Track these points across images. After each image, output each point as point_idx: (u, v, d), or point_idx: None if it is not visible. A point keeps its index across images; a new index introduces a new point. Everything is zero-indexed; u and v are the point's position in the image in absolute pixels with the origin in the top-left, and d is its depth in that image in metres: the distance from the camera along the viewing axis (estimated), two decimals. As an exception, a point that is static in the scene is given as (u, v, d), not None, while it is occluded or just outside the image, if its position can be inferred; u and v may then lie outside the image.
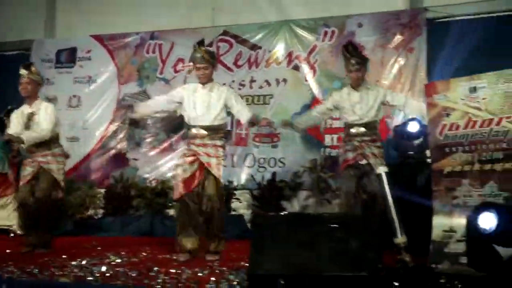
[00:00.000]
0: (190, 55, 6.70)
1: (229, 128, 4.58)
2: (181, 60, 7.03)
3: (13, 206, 5.89)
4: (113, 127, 7.12)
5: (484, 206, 2.80)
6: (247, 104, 6.41)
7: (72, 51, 7.52)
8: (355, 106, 4.37)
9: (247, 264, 3.20)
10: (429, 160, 4.12)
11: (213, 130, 4.32)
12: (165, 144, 6.87)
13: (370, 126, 4.39)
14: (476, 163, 3.56)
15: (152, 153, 6.90)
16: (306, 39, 6.54)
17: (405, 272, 2.89)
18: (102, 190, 6.71)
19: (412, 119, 5.16)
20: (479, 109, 3.61)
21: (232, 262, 4.02)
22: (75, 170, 6.94)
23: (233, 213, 6.17)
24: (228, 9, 6.93)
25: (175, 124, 6.77)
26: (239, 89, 6.65)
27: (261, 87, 6.62)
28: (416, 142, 4.91)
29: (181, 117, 5.87)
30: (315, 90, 6.39)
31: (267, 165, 6.44)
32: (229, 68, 6.76)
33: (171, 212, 6.44)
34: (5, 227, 6.01)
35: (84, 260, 4.07)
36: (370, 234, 3.06)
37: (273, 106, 6.52)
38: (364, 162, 4.30)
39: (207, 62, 4.33)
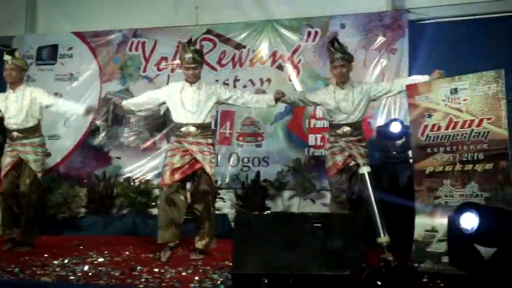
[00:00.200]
0: (173, 53, 6.86)
1: (213, 127, 4.56)
2: (164, 58, 6.99)
3: None
4: (95, 125, 7.04)
5: (465, 206, 2.84)
6: (231, 104, 6.48)
7: (54, 48, 7.41)
8: (341, 103, 4.33)
9: (231, 264, 3.20)
10: (411, 161, 4.16)
11: (204, 128, 4.38)
12: (149, 143, 6.81)
13: (355, 125, 4.35)
14: (457, 163, 3.62)
15: (135, 151, 6.85)
16: (290, 39, 6.55)
17: (388, 271, 2.91)
18: (84, 189, 6.63)
19: (395, 120, 5.23)
20: (460, 110, 3.68)
21: (216, 261, 4.03)
22: (56, 168, 6.85)
23: (217, 212, 6.15)
24: (211, 8, 6.90)
25: (158, 123, 6.73)
26: (223, 88, 6.64)
27: (245, 86, 6.61)
28: (398, 142, 4.97)
29: (165, 116, 5.90)
30: (299, 89, 6.40)
31: (251, 164, 6.43)
32: (212, 67, 6.74)
33: (154, 211, 6.41)
34: None
35: (66, 259, 4.04)
36: (353, 234, 3.10)
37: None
38: (352, 163, 4.26)
39: (197, 63, 4.36)
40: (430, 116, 3.82)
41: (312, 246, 3.05)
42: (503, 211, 3.09)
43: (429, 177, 3.76)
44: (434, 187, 3.71)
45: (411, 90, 4.03)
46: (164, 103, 4.57)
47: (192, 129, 4.32)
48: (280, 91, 4.59)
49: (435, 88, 3.82)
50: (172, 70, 6.86)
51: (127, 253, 4.52)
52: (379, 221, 3.39)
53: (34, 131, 4.80)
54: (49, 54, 7.40)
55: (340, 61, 4.31)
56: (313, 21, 6.50)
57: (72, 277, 3.41)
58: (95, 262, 4.02)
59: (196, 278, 3.38)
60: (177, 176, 4.27)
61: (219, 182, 6.30)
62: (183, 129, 4.35)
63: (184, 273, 3.56)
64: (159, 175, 6.48)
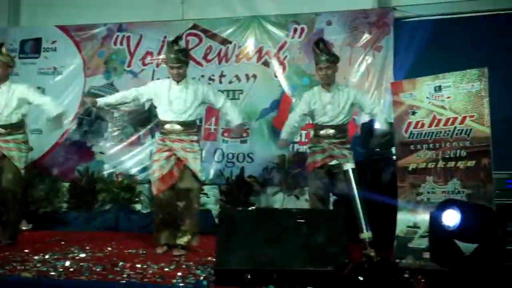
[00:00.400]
0: (159, 48, 6.81)
1: (198, 123, 4.57)
2: (149, 53, 6.94)
3: None
4: (78, 120, 6.97)
5: (448, 203, 2.87)
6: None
7: (37, 41, 7.32)
8: (326, 106, 4.33)
9: (214, 259, 3.19)
10: (394, 157, 4.19)
11: (188, 126, 4.38)
12: (133, 138, 6.76)
13: (340, 128, 4.36)
14: (440, 160, 3.65)
15: (119, 146, 6.79)
16: (276, 35, 6.54)
17: (370, 267, 2.93)
18: (67, 184, 6.58)
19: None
20: (443, 107, 3.70)
21: (199, 257, 4.02)
22: (38, 163, 6.77)
23: (201, 208, 6.13)
24: (197, 3, 6.87)
25: (142, 118, 6.69)
26: (209, 83, 6.60)
27: (231, 82, 6.60)
28: (382, 139, 4.97)
29: (149, 111, 5.86)
30: (285, 86, 6.41)
31: (235, 160, 6.42)
32: (198, 63, 6.71)
33: (138, 206, 6.39)
34: None
35: (47, 254, 4.00)
36: (336, 230, 3.10)
37: (242, 102, 6.50)
38: (333, 162, 4.26)
39: (181, 62, 4.34)
40: (414, 113, 3.84)
41: (296, 242, 3.05)
42: (485, 208, 3.12)
43: (412, 173, 3.78)
44: (416, 184, 3.74)
45: (396, 87, 4.06)
46: (150, 99, 4.55)
47: (177, 127, 4.33)
48: (240, 129, 4.69)
49: (419, 85, 3.84)
50: (157, 65, 6.82)
51: (109, 248, 4.48)
52: (362, 217, 3.39)
53: (18, 127, 4.76)
54: (32, 48, 7.31)
55: (325, 63, 4.29)
56: (299, 18, 6.50)
57: (53, 273, 3.37)
58: (77, 257, 3.98)
59: (179, 273, 3.36)
60: (167, 182, 4.30)
61: (203, 178, 6.28)
62: (167, 126, 4.35)
63: (166, 269, 3.54)
64: (143, 170, 6.49)
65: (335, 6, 6.38)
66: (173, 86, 4.39)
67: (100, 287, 3.21)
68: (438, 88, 3.74)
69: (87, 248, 4.43)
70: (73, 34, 7.18)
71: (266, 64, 6.54)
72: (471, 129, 3.53)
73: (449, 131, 3.64)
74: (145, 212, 6.18)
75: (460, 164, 3.54)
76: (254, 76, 6.54)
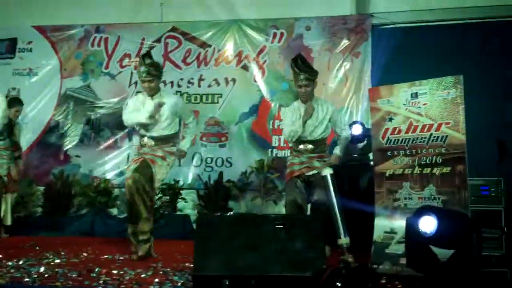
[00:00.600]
0: (137, 50, 6.76)
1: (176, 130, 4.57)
2: (127, 55, 6.89)
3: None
4: (54, 122, 6.87)
5: (424, 210, 2.90)
6: (195, 103, 6.46)
7: (12, 41, 7.21)
8: (306, 122, 4.28)
9: (192, 265, 3.17)
10: (372, 163, 4.22)
11: (162, 140, 4.39)
12: (110, 141, 6.69)
13: (318, 143, 4.33)
14: (416, 166, 3.69)
15: (95, 150, 6.71)
16: (256, 39, 6.56)
17: (347, 273, 2.94)
18: (41, 188, 6.47)
19: (356, 122, 5.28)
20: (420, 114, 3.74)
21: (176, 263, 3.98)
22: (13, 166, 6.65)
23: (178, 213, 6.11)
24: (176, 6, 6.84)
25: (119, 121, 6.57)
26: (188, 87, 6.60)
27: (210, 85, 6.58)
28: (360, 145, 5.02)
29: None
30: (264, 90, 6.43)
31: (214, 164, 6.41)
32: (177, 66, 6.68)
33: (114, 211, 6.32)
34: None
35: (21, 260, 3.92)
36: (314, 235, 3.11)
37: (221, 105, 6.50)
38: (310, 172, 4.25)
39: (152, 76, 4.32)
40: (391, 119, 3.88)
41: (274, 248, 3.05)
42: (460, 214, 3.16)
43: (389, 179, 3.82)
44: (393, 190, 3.77)
45: (373, 93, 4.09)
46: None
47: (151, 142, 4.36)
48: (182, 154, 4.65)
49: (396, 92, 3.88)
50: (135, 68, 6.75)
51: (85, 254, 4.41)
52: (340, 223, 3.41)
53: (0, 134, 4.68)
54: (7, 48, 7.20)
55: (305, 81, 4.25)
56: (279, 23, 6.53)
57: (27, 279, 3.30)
58: (52, 263, 3.91)
59: (156, 280, 3.33)
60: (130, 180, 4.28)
61: (181, 182, 6.26)
62: (144, 139, 4.40)
63: (143, 275, 3.50)
64: (120, 174, 6.43)
65: (314, 12, 6.44)
66: (148, 101, 4.38)
67: (75, 293, 3.16)
68: (415, 95, 3.78)
69: (62, 253, 4.35)
70: (49, 34, 7.09)
71: (246, 68, 6.54)
72: (446, 136, 3.58)
73: (425, 137, 3.68)
74: (121, 217, 6.10)
75: (436, 171, 3.59)
76: (233, 80, 6.54)
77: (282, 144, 6.20)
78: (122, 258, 4.24)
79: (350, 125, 5.18)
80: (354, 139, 4.99)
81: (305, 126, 4.28)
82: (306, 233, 3.12)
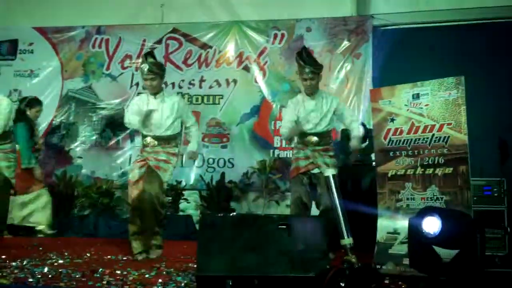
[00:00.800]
0: (138, 51, 6.78)
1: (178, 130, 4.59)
2: (128, 56, 6.91)
3: (40, 203, 5.64)
4: (56, 123, 6.88)
5: (428, 210, 2.91)
6: (197, 104, 6.47)
7: (13, 43, 7.22)
8: (310, 114, 4.32)
9: (195, 266, 3.18)
10: (374, 163, 4.23)
11: (165, 140, 4.39)
12: (111, 142, 6.71)
13: (323, 135, 4.35)
14: (419, 167, 3.70)
15: (98, 151, 6.72)
16: (256, 40, 6.58)
17: (351, 273, 2.95)
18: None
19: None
20: (421, 115, 3.75)
21: (180, 263, 3.99)
22: (15, 167, 6.66)
23: (181, 213, 6.11)
24: (177, 7, 6.87)
25: (121, 122, 6.59)
26: (189, 88, 6.61)
27: (211, 87, 6.60)
28: (362, 145, 5.02)
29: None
30: (265, 91, 6.44)
31: (216, 165, 6.42)
32: (178, 67, 6.70)
33: (117, 212, 6.32)
34: (31, 225, 5.70)
35: (25, 260, 3.92)
36: (318, 236, 3.12)
37: (223, 106, 6.51)
38: (315, 171, 4.27)
39: (155, 74, 4.32)
40: (392, 120, 3.89)
41: (277, 248, 3.05)
42: (463, 214, 3.17)
43: (391, 180, 3.82)
44: (396, 190, 3.78)
45: (375, 94, 4.10)
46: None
47: (154, 141, 4.36)
48: (194, 155, 4.68)
49: (397, 93, 3.89)
50: (136, 69, 6.78)
51: (88, 254, 4.42)
52: (343, 223, 3.41)
53: (4, 138, 4.70)
54: (8, 49, 7.22)
55: (310, 74, 4.28)
56: (280, 24, 6.55)
57: (31, 279, 3.30)
58: (55, 264, 3.91)
59: (160, 280, 3.33)
60: (137, 189, 4.30)
61: (183, 183, 6.27)
62: (147, 139, 4.40)
63: (147, 276, 3.50)
64: (123, 175, 6.44)
65: (315, 13, 6.45)
66: (151, 101, 4.40)
67: (79, 294, 3.17)
68: (416, 96, 3.79)
69: (65, 254, 4.36)
70: (50, 36, 7.10)
71: (247, 69, 6.56)
72: (448, 137, 3.59)
73: (427, 138, 3.69)
74: (124, 217, 6.10)
75: (439, 171, 3.60)
76: (235, 81, 6.56)
77: (283, 145, 6.22)
78: (125, 258, 4.25)
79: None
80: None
81: (309, 118, 4.30)
82: (309, 233, 3.13)
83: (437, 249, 2.81)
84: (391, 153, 3.86)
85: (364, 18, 6.31)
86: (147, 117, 4.31)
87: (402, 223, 3.57)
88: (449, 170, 3.55)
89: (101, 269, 3.65)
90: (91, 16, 7.02)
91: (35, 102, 5.80)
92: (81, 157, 6.72)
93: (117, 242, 5.07)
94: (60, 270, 3.59)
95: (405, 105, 3.83)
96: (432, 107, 3.70)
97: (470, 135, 3.50)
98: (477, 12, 5.95)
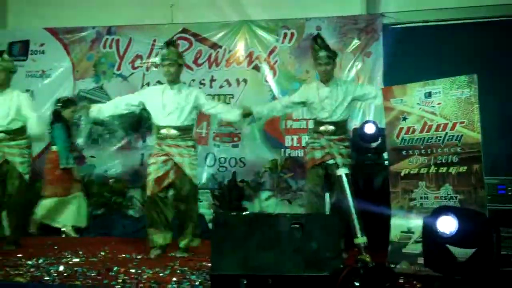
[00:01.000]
0: (148, 52, 6.80)
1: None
2: (139, 56, 6.93)
3: (74, 205, 5.67)
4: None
5: (443, 209, 2.91)
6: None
7: (25, 43, 7.27)
8: (324, 101, 4.31)
9: (209, 264, 3.20)
10: (386, 162, 4.23)
11: (184, 131, 4.39)
12: (124, 142, 6.75)
13: (339, 125, 4.36)
14: (432, 166, 3.69)
15: (111, 150, 6.76)
16: (266, 40, 6.58)
17: (365, 272, 2.96)
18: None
19: (368, 121, 5.28)
20: (434, 113, 3.74)
21: (194, 262, 4.02)
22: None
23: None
24: (187, 7, 6.88)
25: (134, 122, 6.66)
26: (200, 87, 6.61)
27: (221, 86, 6.62)
28: (374, 144, 5.02)
29: (140, 114, 5.86)
30: (275, 90, 6.45)
31: (227, 164, 6.45)
32: (188, 67, 6.70)
33: (130, 211, 6.37)
34: (60, 227, 5.73)
35: (41, 259, 3.97)
36: (332, 234, 3.13)
37: (233, 106, 6.52)
38: (331, 161, 4.28)
39: (173, 61, 4.34)
40: (405, 119, 3.88)
41: (291, 247, 3.07)
42: (478, 213, 3.16)
43: (404, 179, 3.81)
44: (409, 189, 3.77)
45: (387, 93, 4.09)
46: (141, 105, 4.53)
47: (172, 131, 4.34)
48: (247, 108, 4.60)
49: (409, 91, 3.88)
50: (147, 69, 6.84)
51: (102, 253, 4.46)
52: (356, 222, 3.43)
53: (20, 133, 4.75)
54: (20, 50, 7.25)
55: (325, 59, 4.29)
56: (289, 23, 6.55)
57: (47, 278, 3.35)
58: (70, 262, 3.96)
59: (174, 279, 3.36)
60: (161, 184, 4.33)
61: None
62: (163, 131, 4.36)
63: (161, 274, 3.53)
64: (135, 174, 6.48)
65: (325, 12, 6.44)
66: (167, 91, 4.41)
67: (95, 292, 3.21)
68: (428, 95, 3.78)
69: (80, 253, 4.41)
70: (61, 36, 7.14)
71: (257, 68, 6.57)
72: (461, 135, 3.58)
73: (440, 137, 3.68)
74: (137, 216, 6.17)
75: (452, 170, 3.58)
76: (245, 80, 6.58)
77: (295, 144, 6.23)
78: (139, 257, 4.29)
79: (363, 124, 5.17)
80: (368, 138, 5.00)
81: (323, 105, 4.28)
82: (323, 232, 3.13)
83: (452, 248, 2.80)
84: (403, 152, 3.85)
85: (374, 17, 6.29)
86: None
87: (416, 222, 3.56)
88: (463, 169, 3.53)
89: (116, 268, 3.69)
90: (101, 16, 7.05)
91: (69, 102, 5.85)
92: (93, 157, 6.75)
93: (130, 241, 5.12)
94: (75, 269, 3.63)
95: (417, 103, 3.82)
96: (444, 105, 3.69)
97: (484, 134, 3.49)
98: (487, 10, 5.92)
